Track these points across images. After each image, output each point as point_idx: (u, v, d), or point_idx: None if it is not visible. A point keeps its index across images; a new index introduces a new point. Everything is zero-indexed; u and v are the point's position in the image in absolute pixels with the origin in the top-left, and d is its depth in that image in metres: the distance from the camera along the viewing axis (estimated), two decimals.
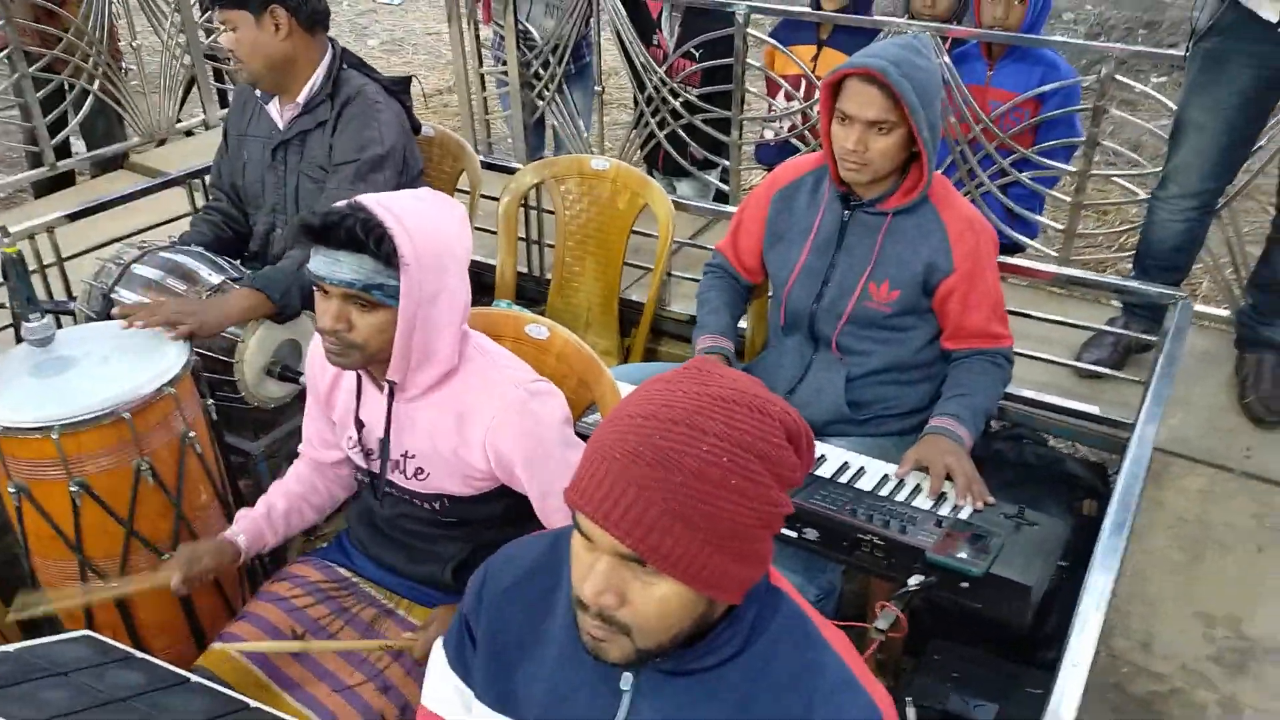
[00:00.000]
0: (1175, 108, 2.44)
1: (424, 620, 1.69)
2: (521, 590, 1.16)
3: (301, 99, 2.29)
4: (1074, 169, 2.82)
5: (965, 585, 1.62)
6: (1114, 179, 2.92)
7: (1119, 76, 2.60)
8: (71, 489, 1.75)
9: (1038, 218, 2.96)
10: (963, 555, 1.61)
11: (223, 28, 2.21)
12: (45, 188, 3.78)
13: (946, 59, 2.76)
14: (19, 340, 1.99)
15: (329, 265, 1.46)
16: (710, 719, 1.03)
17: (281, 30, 2.19)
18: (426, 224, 1.49)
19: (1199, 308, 2.78)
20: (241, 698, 1.46)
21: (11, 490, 1.77)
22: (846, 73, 1.85)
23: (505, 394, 1.56)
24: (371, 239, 1.43)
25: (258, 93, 2.38)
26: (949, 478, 1.84)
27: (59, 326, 1.99)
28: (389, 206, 1.47)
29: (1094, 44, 2.75)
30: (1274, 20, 2.08)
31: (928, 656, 2.22)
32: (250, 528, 1.75)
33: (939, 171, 2.07)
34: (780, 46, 3.06)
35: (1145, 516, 2.11)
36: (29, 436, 1.73)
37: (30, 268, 2.20)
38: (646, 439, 0.90)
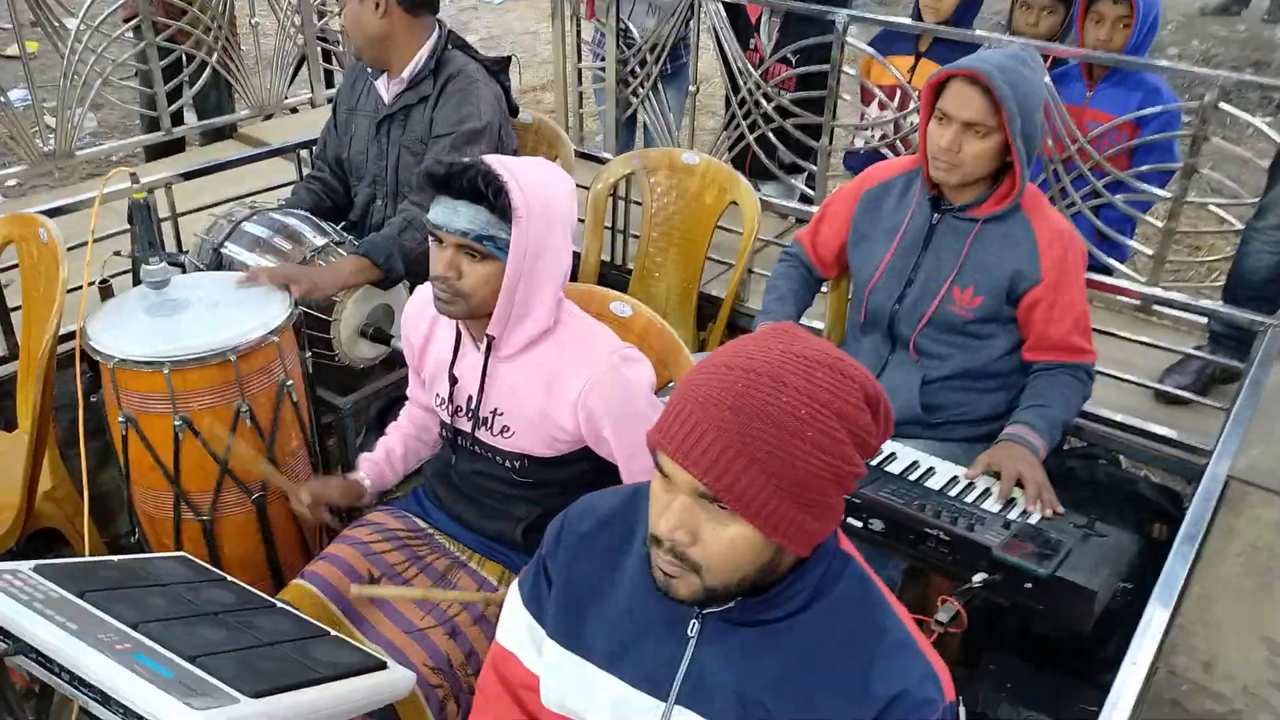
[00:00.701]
0: (1278, 140, 2.40)
1: (494, 574, 1.75)
2: (597, 537, 1.21)
3: (406, 75, 2.39)
4: (1168, 195, 2.78)
5: (1029, 586, 1.62)
6: (1209, 207, 2.88)
7: (1222, 105, 2.57)
8: (175, 423, 1.86)
9: (1129, 242, 2.93)
10: (1029, 556, 1.62)
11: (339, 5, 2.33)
12: (156, 152, 3.97)
13: (1046, 78, 2.75)
14: (136, 283, 2.11)
15: (448, 214, 1.54)
16: (770, 670, 1.07)
17: (381, 8, 2.30)
18: (539, 184, 1.56)
19: None
20: (322, 626, 1.54)
21: (121, 420, 1.89)
22: (951, 73, 1.88)
23: (599, 358, 1.63)
24: (490, 190, 1.51)
25: (368, 69, 2.49)
26: (1019, 484, 1.85)
27: None
28: (507, 164, 1.55)
29: (1198, 70, 2.71)
30: None
31: (983, 667, 2.22)
32: (373, 470, 1.88)
33: (1032, 184, 2.07)
34: (878, 56, 3.08)
35: (1217, 543, 2.07)
36: (141, 370, 1.84)
37: None
38: (730, 386, 0.94)
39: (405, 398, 1.98)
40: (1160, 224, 2.83)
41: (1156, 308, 2.79)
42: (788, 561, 1.05)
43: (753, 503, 0.94)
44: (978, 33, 2.95)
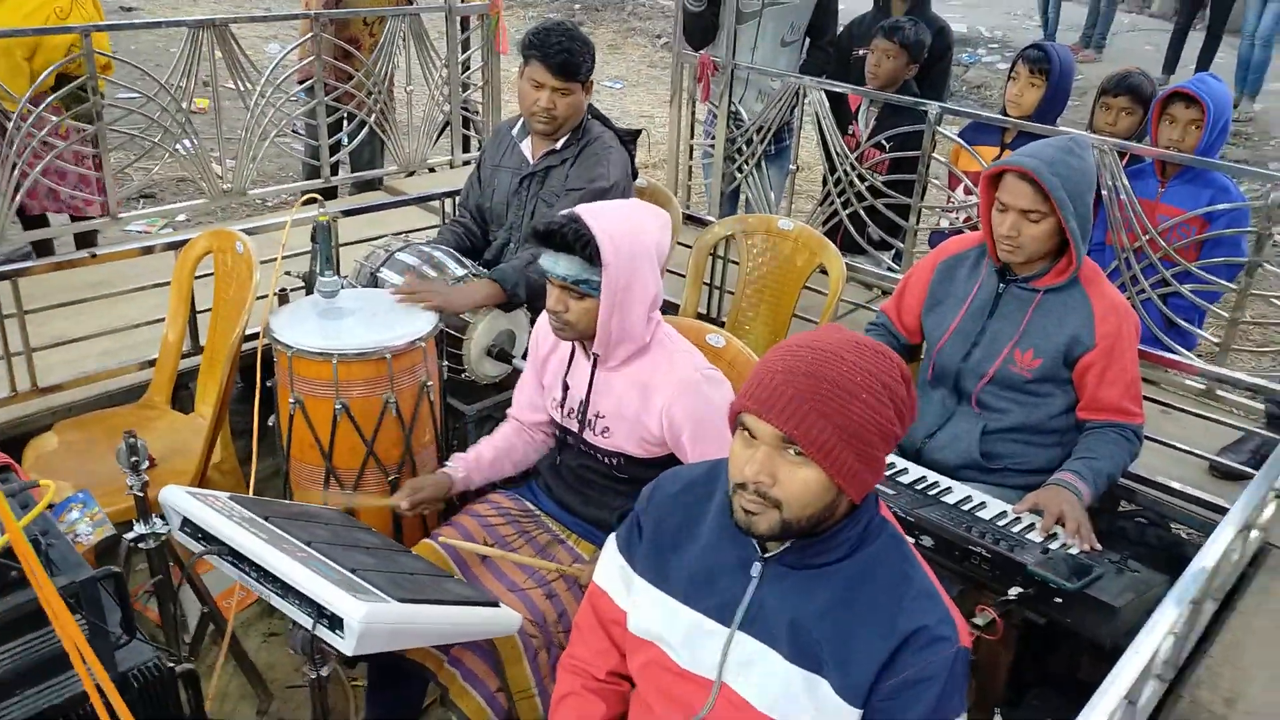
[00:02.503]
0: None
1: (587, 552, 2.04)
2: (683, 496, 1.50)
3: (560, 143, 2.77)
4: (1234, 287, 2.96)
5: (1059, 600, 1.83)
6: (1273, 300, 3.04)
7: None
8: (335, 407, 2.23)
9: (1196, 330, 3.10)
10: (1060, 573, 1.83)
11: (545, 88, 2.62)
12: (311, 198, 4.48)
13: (1123, 176, 2.99)
14: (309, 292, 2.51)
15: (551, 263, 1.90)
16: (817, 605, 1.33)
17: (590, 94, 2.70)
18: (627, 228, 1.89)
19: None
20: (447, 573, 1.85)
21: (291, 401, 2.26)
22: (1004, 168, 2.16)
23: (685, 375, 1.93)
24: (579, 244, 1.84)
25: (514, 131, 2.89)
26: (1061, 522, 2.06)
27: None
28: (597, 215, 1.89)
29: (1263, 170, 2.92)
30: None
31: (1027, 701, 2.39)
32: (462, 468, 2.18)
33: (1092, 260, 2.31)
34: (966, 145, 3.37)
35: (1254, 600, 2.22)
36: (313, 360, 2.22)
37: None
38: (802, 358, 1.24)
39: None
40: (1227, 314, 3.01)
41: (1219, 393, 2.95)
42: (842, 509, 1.32)
43: (822, 447, 1.22)
44: (1058, 128, 3.21)
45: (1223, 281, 2.99)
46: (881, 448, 1.28)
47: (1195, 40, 8.31)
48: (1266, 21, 7.56)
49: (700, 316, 3.34)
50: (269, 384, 2.35)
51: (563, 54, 2.56)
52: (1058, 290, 2.25)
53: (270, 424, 2.47)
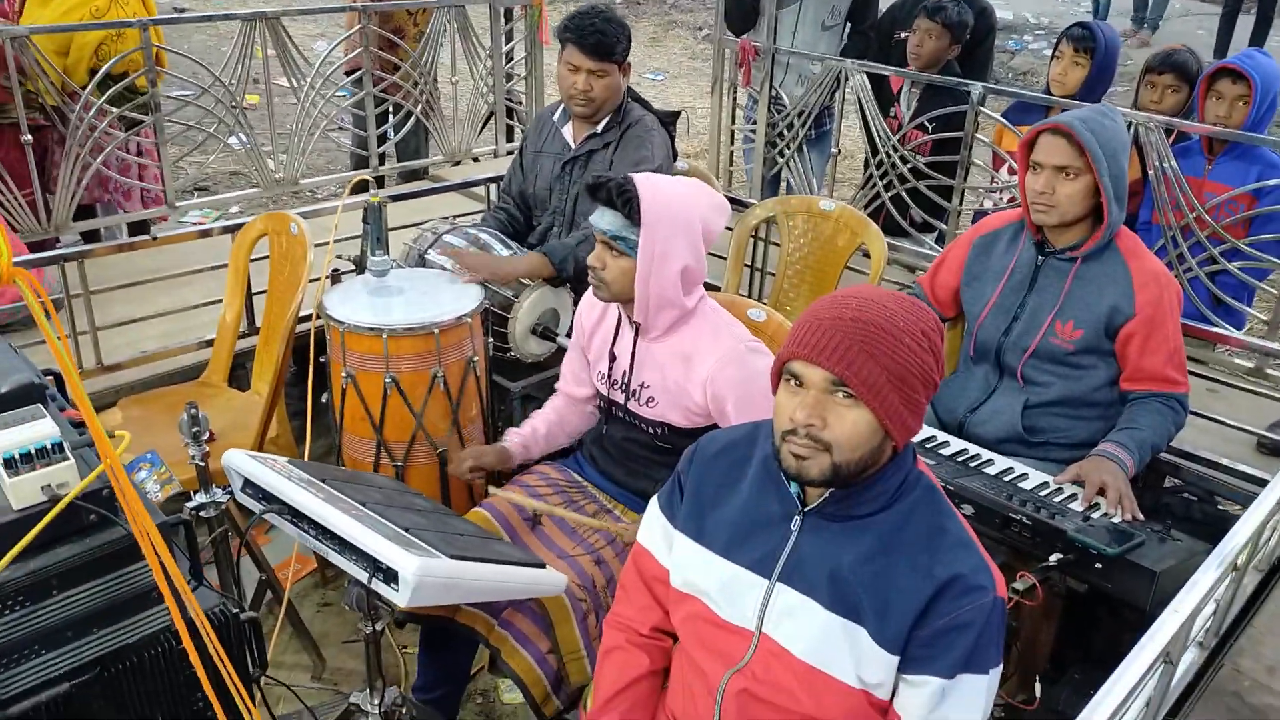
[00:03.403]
0: None
1: (632, 520, 2.09)
2: (723, 456, 1.54)
3: (600, 126, 2.81)
4: None
5: (1099, 566, 1.84)
6: None
7: None
8: (386, 380, 2.30)
9: (1245, 308, 3.07)
10: (1100, 538, 1.84)
11: (581, 71, 2.68)
12: (359, 188, 4.58)
13: (1169, 153, 2.97)
14: (360, 273, 2.58)
15: (597, 216, 1.96)
16: (856, 555, 1.36)
17: (628, 76, 2.75)
18: (673, 198, 1.93)
19: None
20: (495, 536, 1.91)
21: (344, 375, 2.34)
22: (1040, 128, 2.17)
23: (728, 345, 1.96)
24: (621, 200, 1.89)
25: (555, 117, 2.94)
26: (1103, 493, 2.06)
27: None
28: (649, 179, 1.93)
29: None
30: None
31: (1069, 675, 2.39)
32: (520, 442, 2.25)
33: (1131, 232, 2.31)
34: (1009, 125, 3.36)
35: None
36: (365, 335, 2.29)
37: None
38: (848, 306, 1.29)
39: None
40: (1276, 291, 2.98)
41: (1269, 370, 2.92)
42: (886, 455, 1.35)
43: (872, 387, 1.26)
44: (1101, 104, 3.19)
45: (1272, 258, 2.96)
46: (923, 393, 1.31)
47: (1246, 24, 8.15)
48: None
49: (741, 298, 3.37)
50: (321, 359, 2.42)
51: (595, 34, 2.62)
52: (1096, 259, 2.25)
53: (324, 401, 2.55)
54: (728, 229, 3.20)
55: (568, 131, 2.89)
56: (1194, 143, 3.08)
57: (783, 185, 4.28)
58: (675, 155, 2.97)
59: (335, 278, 2.64)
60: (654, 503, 1.63)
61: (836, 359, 1.27)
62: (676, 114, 2.94)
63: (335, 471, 1.93)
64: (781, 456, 1.35)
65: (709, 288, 3.28)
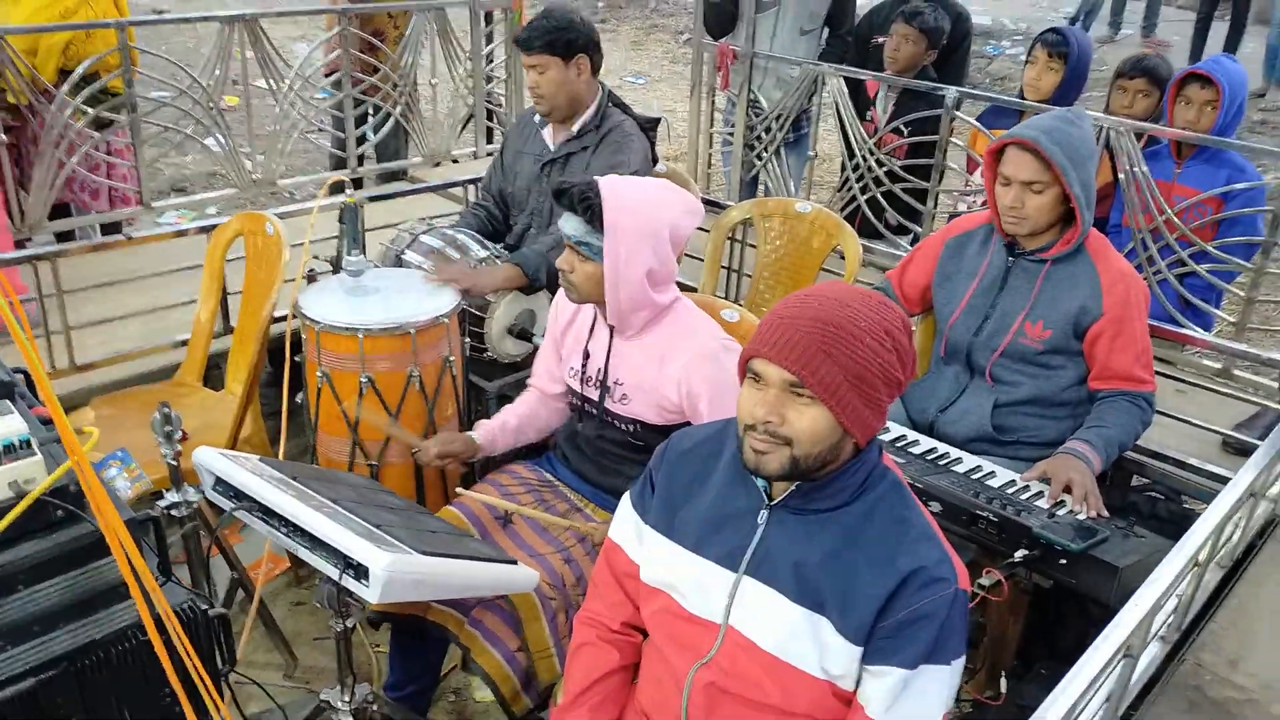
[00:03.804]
0: None
1: (603, 519, 2.10)
2: (693, 453, 1.56)
3: (576, 128, 2.83)
4: (1251, 266, 2.97)
5: (1063, 562, 1.87)
6: None
7: None
8: (361, 380, 2.30)
9: (1213, 310, 3.11)
10: (1065, 535, 1.86)
11: (533, 70, 2.72)
12: (337, 188, 4.57)
13: (1140, 157, 3.01)
14: (337, 273, 2.58)
15: (563, 221, 1.98)
16: (821, 548, 1.38)
17: (582, 74, 2.75)
18: (638, 204, 1.94)
19: None
20: (466, 534, 1.92)
21: (319, 374, 2.34)
22: (1006, 142, 2.20)
23: (702, 343, 1.98)
24: (582, 206, 1.90)
25: (536, 118, 2.95)
26: (1068, 490, 2.09)
27: None
28: (613, 184, 1.94)
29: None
30: None
31: (1035, 671, 2.42)
32: (487, 433, 2.25)
33: (1101, 233, 2.34)
34: (983, 129, 3.40)
35: (1260, 568, 2.25)
36: (341, 334, 2.29)
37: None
38: (809, 305, 1.30)
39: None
40: (1243, 293, 3.02)
41: (1235, 371, 2.96)
42: (847, 451, 1.37)
43: (828, 387, 1.28)
44: (1069, 110, 3.23)
45: (1240, 261, 3.00)
46: (885, 391, 1.32)
47: (1221, 30, 8.26)
48: None
49: (718, 299, 3.39)
50: (297, 359, 2.42)
51: (532, 32, 2.67)
52: (1065, 261, 2.28)
53: (299, 401, 2.55)
54: (704, 230, 3.25)
55: (547, 134, 2.91)
56: (1163, 147, 3.12)
57: (761, 188, 4.31)
58: (655, 160, 2.99)
59: (311, 278, 2.64)
60: (626, 499, 1.64)
61: (794, 358, 1.29)
62: (656, 120, 2.96)
63: (307, 469, 1.94)
64: (743, 451, 1.37)
65: (685, 288, 3.32)
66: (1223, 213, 3.00)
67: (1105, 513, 2.05)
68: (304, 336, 2.38)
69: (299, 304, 2.36)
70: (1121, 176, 3.06)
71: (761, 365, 1.33)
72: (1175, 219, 3.00)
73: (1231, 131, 3.02)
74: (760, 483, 1.42)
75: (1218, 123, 2.98)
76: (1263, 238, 2.95)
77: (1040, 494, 2.10)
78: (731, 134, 4.16)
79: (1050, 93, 3.33)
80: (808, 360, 1.28)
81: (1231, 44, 8.21)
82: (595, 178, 1.96)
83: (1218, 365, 2.99)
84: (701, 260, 3.26)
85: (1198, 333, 2.93)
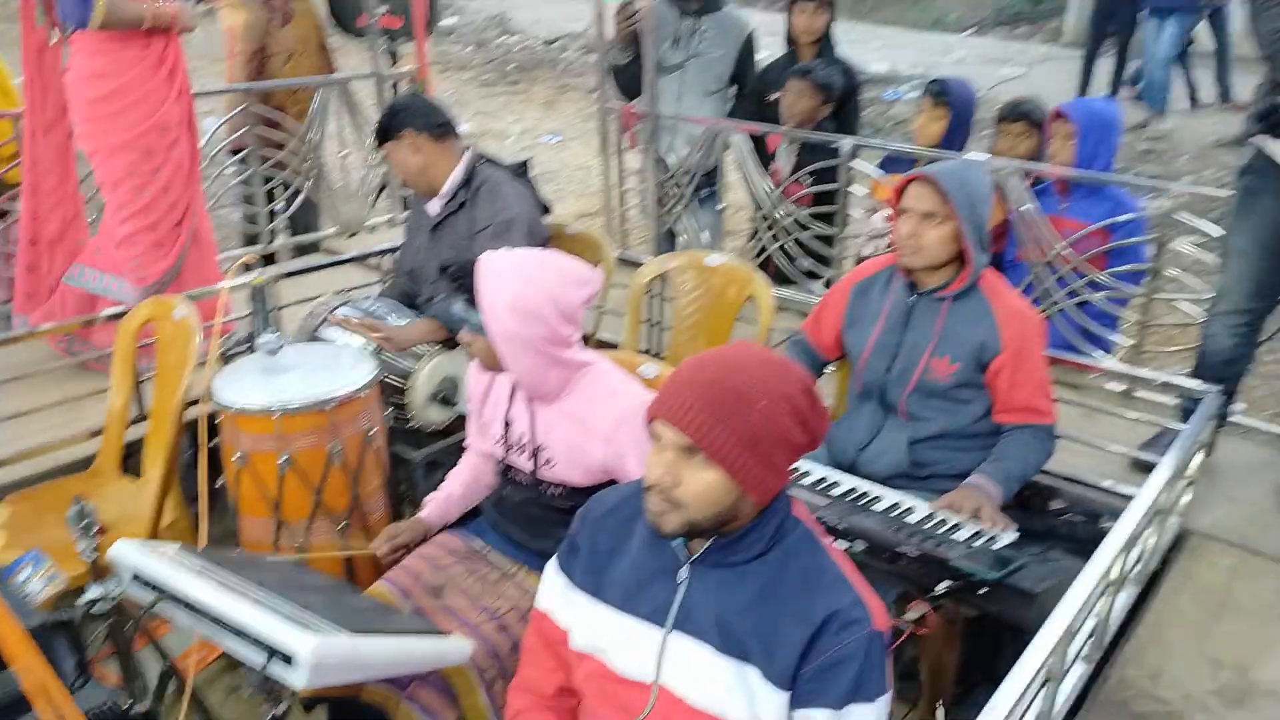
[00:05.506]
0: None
1: (535, 583, 2.10)
2: (613, 514, 1.58)
3: (445, 191, 2.88)
4: (1141, 291, 3.14)
5: (983, 592, 1.93)
6: (1174, 302, 3.22)
7: (1175, 216, 2.96)
8: (280, 460, 2.28)
9: (1111, 335, 3.27)
10: (982, 564, 1.93)
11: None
12: (244, 269, 4.53)
13: (1029, 194, 3.17)
14: (251, 351, 2.56)
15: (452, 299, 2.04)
16: (741, 600, 1.42)
17: (421, 149, 2.82)
18: (510, 281, 1.95)
19: (1261, 424, 3.02)
20: (397, 609, 1.90)
21: (236, 458, 2.31)
22: (910, 177, 2.31)
23: (625, 403, 2.01)
24: (455, 286, 1.96)
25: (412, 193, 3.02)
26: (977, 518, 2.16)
27: None
28: (490, 266, 1.97)
29: (1155, 182, 3.11)
30: None
31: (974, 696, 2.48)
32: (437, 509, 2.26)
33: (995, 270, 2.46)
34: (876, 173, 3.54)
35: (1173, 582, 2.35)
36: (256, 416, 2.27)
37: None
38: (705, 368, 1.34)
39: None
40: (1137, 317, 3.18)
41: (1137, 394, 3.10)
42: (748, 509, 1.40)
43: (721, 449, 1.31)
44: (963, 155, 3.40)
45: (1129, 288, 3.17)
46: (782, 453, 1.37)
47: (1108, 66, 8.71)
48: (1164, 45, 7.97)
49: (642, 353, 3.44)
50: (215, 443, 2.39)
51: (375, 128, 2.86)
52: (963, 299, 2.38)
53: (219, 485, 2.50)
54: (625, 286, 3.30)
55: (430, 204, 2.96)
56: (1050, 184, 3.29)
57: (679, 240, 4.40)
58: (546, 207, 3.04)
59: (226, 359, 2.62)
60: (551, 564, 1.66)
61: (688, 421, 1.32)
62: (524, 163, 3.02)
63: (230, 556, 1.91)
64: (646, 510, 1.40)
65: (607, 345, 3.36)
66: (1109, 243, 3.17)
67: (1012, 523, 2.12)
68: (220, 420, 2.35)
69: (213, 387, 2.34)
70: (1013, 216, 3.21)
71: (660, 427, 1.37)
72: (1066, 251, 3.16)
73: (1100, 164, 3.18)
74: (678, 539, 1.46)
75: (1079, 154, 3.15)
76: (1147, 264, 3.12)
77: (958, 526, 2.17)
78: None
79: (938, 139, 3.50)
80: (701, 424, 1.32)
81: (1117, 78, 8.67)
82: (478, 257, 1.99)
83: (1122, 387, 3.14)
84: (624, 315, 3.30)
85: (1097, 359, 3.07)
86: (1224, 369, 2.80)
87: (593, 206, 7.26)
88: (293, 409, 2.27)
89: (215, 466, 2.42)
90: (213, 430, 2.43)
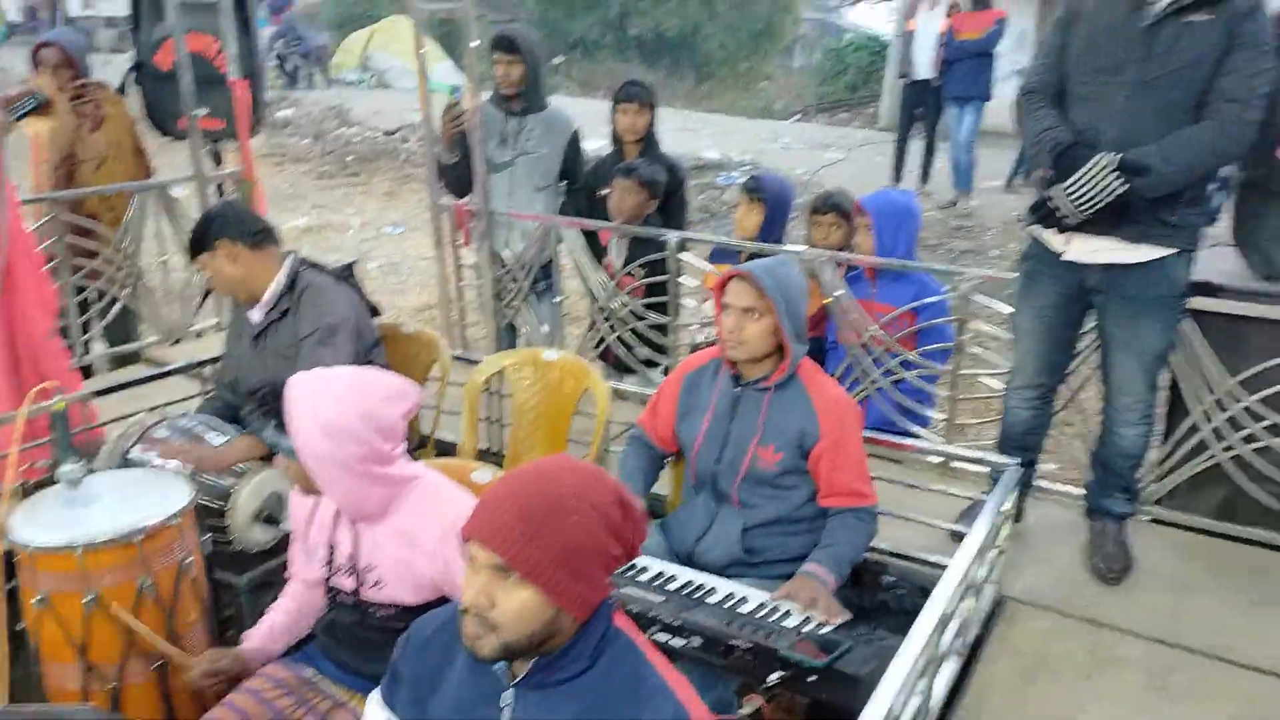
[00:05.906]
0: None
1: None
2: (434, 640, 1.55)
3: (267, 298, 2.83)
4: (948, 369, 3.35)
5: (811, 680, 1.98)
6: (979, 378, 3.45)
7: (972, 297, 3.20)
8: (85, 599, 2.13)
9: (926, 411, 3.47)
10: (809, 653, 1.98)
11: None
12: (41, 395, 4.27)
13: (842, 281, 3.37)
14: (54, 482, 2.41)
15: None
16: (567, 717, 1.40)
17: (236, 258, 2.77)
18: (328, 405, 1.92)
19: (1067, 487, 3.25)
20: None
21: (35, 601, 2.14)
22: (729, 275, 2.42)
23: (452, 514, 1.98)
24: (261, 410, 1.93)
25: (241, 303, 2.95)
26: (812, 608, 2.23)
27: None
28: (297, 388, 1.94)
29: (953, 268, 3.36)
30: (1059, 252, 2.69)
31: None
32: (259, 642, 2.15)
33: (813, 360, 2.58)
34: (708, 266, 3.68)
35: (993, 648, 2.47)
36: (56, 554, 2.12)
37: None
38: (518, 484, 1.35)
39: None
40: (946, 393, 3.39)
41: (954, 465, 3.29)
42: (568, 625, 1.40)
43: (534, 569, 1.32)
44: (783, 246, 3.58)
45: (939, 365, 3.38)
46: (598, 566, 1.38)
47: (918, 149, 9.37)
48: (965, 129, 8.68)
49: (483, 451, 3.41)
50: (12, 585, 2.22)
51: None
52: (784, 389, 2.49)
53: (19, 629, 2.31)
54: (460, 385, 3.28)
55: (253, 312, 2.89)
56: (860, 271, 3.50)
57: (521, 333, 4.42)
58: (375, 309, 3.01)
59: (28, 491, 2.44)
60: (374, 696, 1.61)
61: (499, 541, 1.32)
62: (349, 266, 3.00)
63: (25, 710, 1.76)
64: (463, 634, 1.39)
65: (446, 444, 3.32)
66: (917, 324, 3.38)
67: (847, 614, 2.20)
68: (17, 561, 2.19)
69: (7, 526, 2.18)
70: (829, 301, 3.40)
71: (474, 548, 1.36)
72: (879, 333, 3.35)
73: (902, 249, 3.42)
74: (499, 663, 1.44)
75: (879, 244, 3.38)
76: (952, 342, 3.35)
77: (789, 613, 2.23)
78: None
79: (755, 231, 3.69)
80: (511, 543, 1.32)
81: (927, 162, 9.35)
82: (293, 379, 1.95)
83: (939, 460, 3.32)
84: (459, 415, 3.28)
85: (916, 436, 3.25)
86: (1024, 439, 3.01)
87: (436, 299, 7.22)
88: (97, 544, 2.13)
89: (16, 610, 2.25)
90: (10, 571, 2.26)
